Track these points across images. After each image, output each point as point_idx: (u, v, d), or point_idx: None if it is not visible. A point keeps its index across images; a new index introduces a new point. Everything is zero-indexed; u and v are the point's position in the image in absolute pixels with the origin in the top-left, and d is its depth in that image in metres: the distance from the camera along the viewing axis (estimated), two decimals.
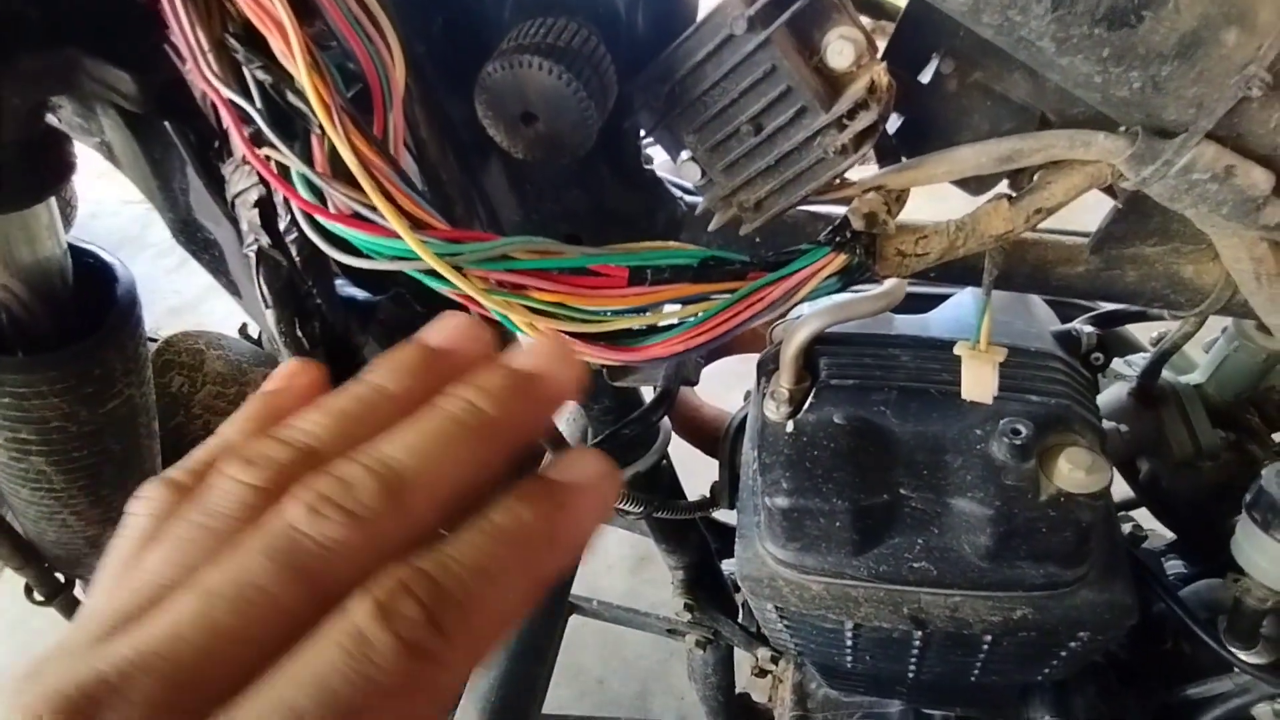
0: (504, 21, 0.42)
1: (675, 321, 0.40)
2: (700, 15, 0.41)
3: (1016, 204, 0.42)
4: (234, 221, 0.47)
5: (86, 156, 0.49)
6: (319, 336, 0.40)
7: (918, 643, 0.61)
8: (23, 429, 0.54)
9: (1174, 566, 0.87)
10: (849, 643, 0.63)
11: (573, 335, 0.39)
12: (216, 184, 0.47)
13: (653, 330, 0.40)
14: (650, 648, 1.80)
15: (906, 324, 0.65)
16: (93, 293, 0.54)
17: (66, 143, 0.46)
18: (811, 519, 0.56)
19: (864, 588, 0.58)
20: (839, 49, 0.39)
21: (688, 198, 0.54)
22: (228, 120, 0.34)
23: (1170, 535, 0.87)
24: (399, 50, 0.36)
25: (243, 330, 0.95)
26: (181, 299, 2.73)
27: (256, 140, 0.34)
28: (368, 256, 0.36)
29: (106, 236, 2.90)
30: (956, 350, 0.49)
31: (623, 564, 2.00)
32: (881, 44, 0.43)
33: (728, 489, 0.78)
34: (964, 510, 0.54)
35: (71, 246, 0.53)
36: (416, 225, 0.35)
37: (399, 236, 0.34)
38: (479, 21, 0.43)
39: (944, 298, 0.73)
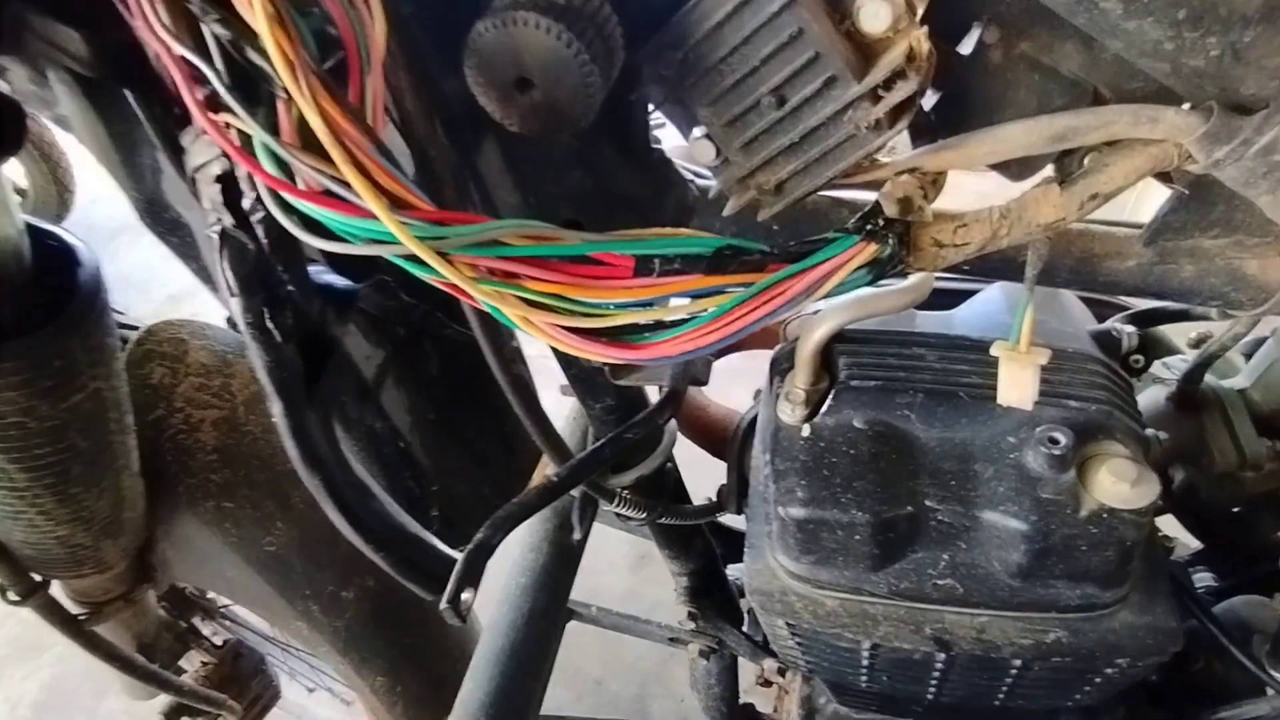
0: None
1: (685, 317, 0.36)
2: None
3: (1068, 189, 0.37)
4: None
5: None
6: (291, 328, 0.36)
7: (940, 665, 0.57)
8: None
9: (1201, 578, 0.83)
10: (865, 662, 0.59)
11: (571, 330, 0.35)
12: (182, 159, 0.43)
13: (660, 326, 0.35)
14: (649, 649, 1.76)
15: (929, 321, 0.61)
16: (54, 278, 0.50)
17: (16, 111, 0.41)
18: (828, 531, 0.52)
19: (883, 605, 0.54)
20: (874, 11, 0.34)
21: (699, 181, 0.50)
22: (179, 81, 0.29)
23: (1195, 544, 0.83)
24: (379, 4, 0.32)
25: (230, 320, 0.91)
26: (180, 286, 2.69)
27: (213, 104, 0.30)
28: (342, 239, 0.32)
29: (106, 222, 2.87)
30: (994, 351, 0.45)
31: (623, 562, 1.96)
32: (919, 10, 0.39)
33: (736, 493, 0.74)
34: (995, 524, 0.50)
35: (30, 227, 0.49)
36: (396, 204, 0.31)
37: (375, 216, 0.30)
38: None
39: (967, 294, 0.69)
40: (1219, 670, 0.71)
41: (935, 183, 0.39)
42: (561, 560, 0.71)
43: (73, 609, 0.83)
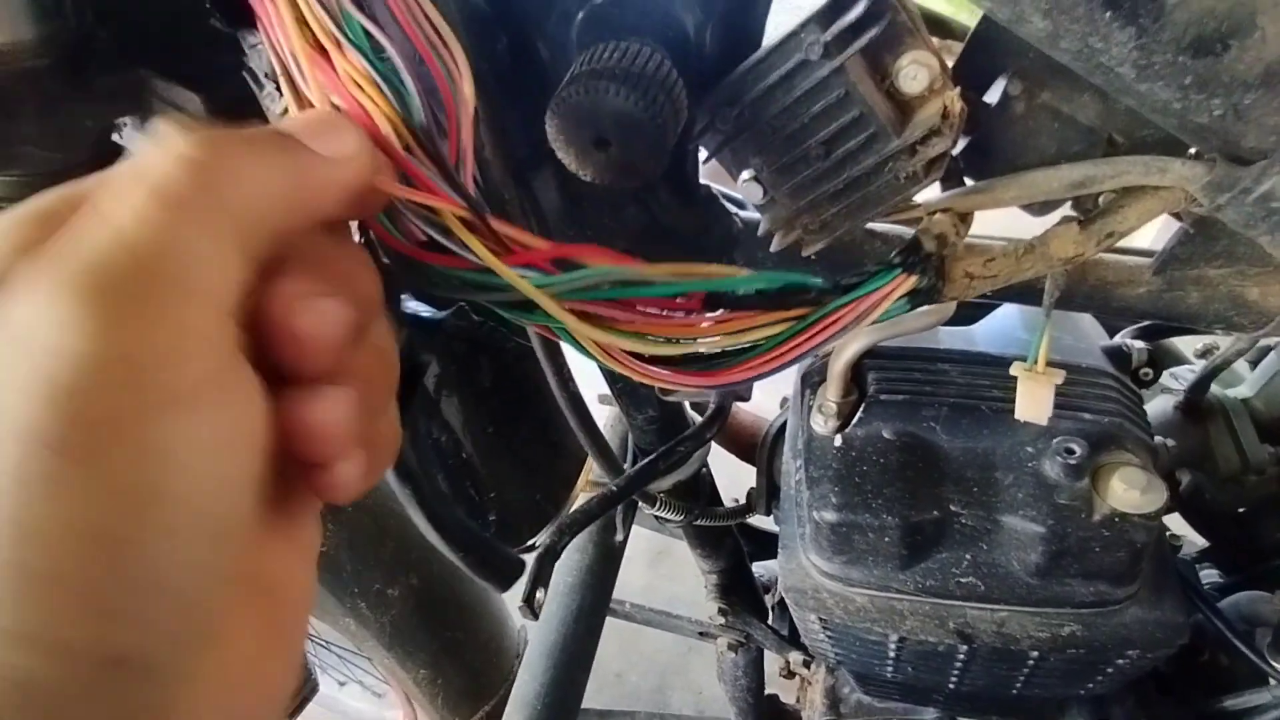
0: (569, 42, 0.42)
1: (748, 345, 0.40)
2: (766, 38, 0.41)
3: (1087, 228, 0.41)
4: None
5: None
6: None
7: (961, 656, 0.61)
8: None
9: (1208, 575, 0.87)
10: (892, 654, 0.64)
11: (649, 360, 0.39)
12: None
13: (727, 355, 0.40)
14: (669, 642, 1.81)
15: (951, 336, 0.65)
16: None
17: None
18: (859, 533, 0.56)
19: (910, 601, 0.58)
20: (912, 74, 0.38)
21: (742, 214, 0.54)
22: None
23: (1202, 542, 0.87)
24: (466, 66, 0.36)
25: None
26: None
27: None
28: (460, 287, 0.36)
29: None
30: (1013, 371, 0.49)
31: (640, 559, 2.00)
32: (948, 63, 0.43)
33: (765, 496, 0.78)
34: (1014, 527, 0.54)
35: None
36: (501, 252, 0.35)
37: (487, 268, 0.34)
38: (543, 41, 0.43)
39: (985, 308, 0.73)
40: (1224, 662, 0.75)
41: (965, 220, 0.43)
42: (605, 559, 0.76)
43: None
